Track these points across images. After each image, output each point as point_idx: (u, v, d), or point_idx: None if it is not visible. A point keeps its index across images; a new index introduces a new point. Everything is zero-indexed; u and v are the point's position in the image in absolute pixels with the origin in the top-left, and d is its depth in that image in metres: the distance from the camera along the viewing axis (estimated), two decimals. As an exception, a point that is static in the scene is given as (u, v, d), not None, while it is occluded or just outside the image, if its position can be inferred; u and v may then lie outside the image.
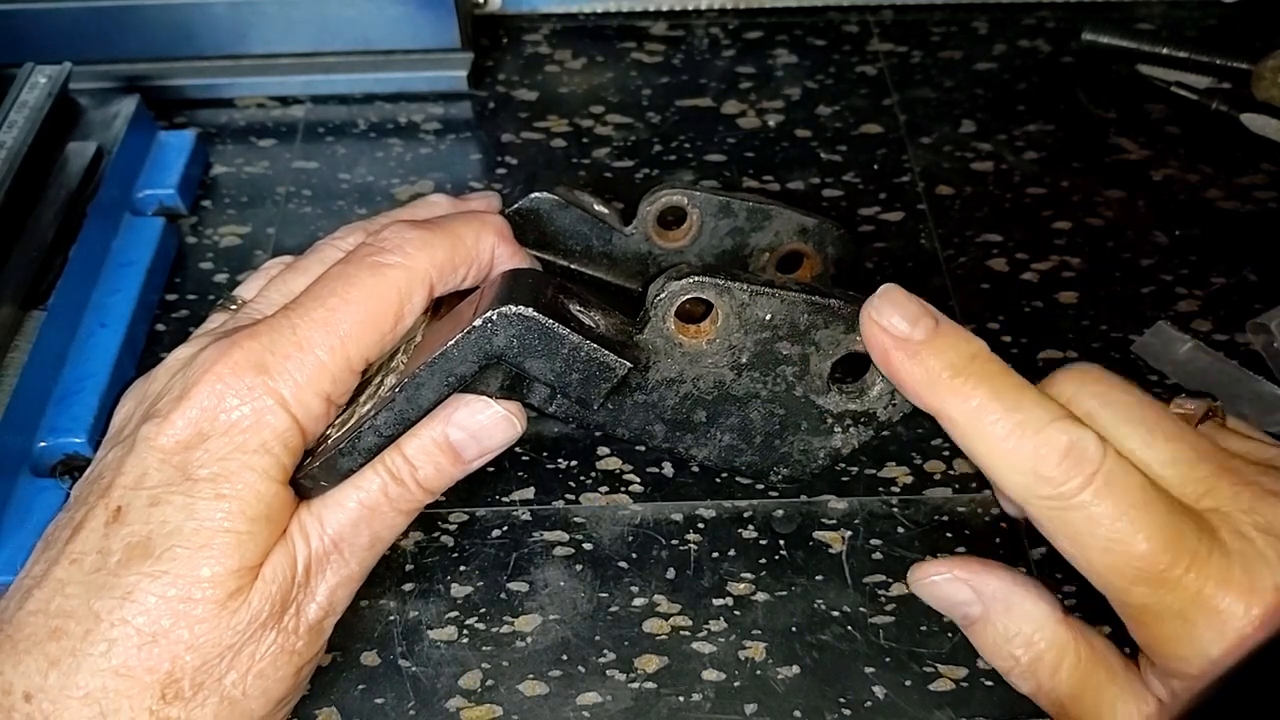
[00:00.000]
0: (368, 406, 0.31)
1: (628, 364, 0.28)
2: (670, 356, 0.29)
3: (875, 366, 0.29)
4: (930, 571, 0.30)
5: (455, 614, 0.35)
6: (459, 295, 0.33)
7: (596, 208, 0.37)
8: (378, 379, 0.33)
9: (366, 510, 0.30)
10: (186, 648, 0.27)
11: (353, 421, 0.30)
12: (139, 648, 0.27)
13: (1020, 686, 0.30)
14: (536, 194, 0.37)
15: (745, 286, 0.28)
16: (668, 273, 0.29)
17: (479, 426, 0.30)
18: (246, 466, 0.28)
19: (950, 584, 0.30)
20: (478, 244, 0.32)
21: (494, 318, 0.27)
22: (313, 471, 0.30)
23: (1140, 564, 0.26)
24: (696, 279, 0.28)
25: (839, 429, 0.31)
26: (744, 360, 0.30)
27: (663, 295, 0.28)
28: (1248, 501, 0.26)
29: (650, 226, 0.37)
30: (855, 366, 0.31)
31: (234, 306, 0.34)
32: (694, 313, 0.30)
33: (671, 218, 0.37)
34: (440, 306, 0.34)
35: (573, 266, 0.38)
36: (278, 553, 0.29)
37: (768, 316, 0.29)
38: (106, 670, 0.27)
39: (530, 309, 0.27)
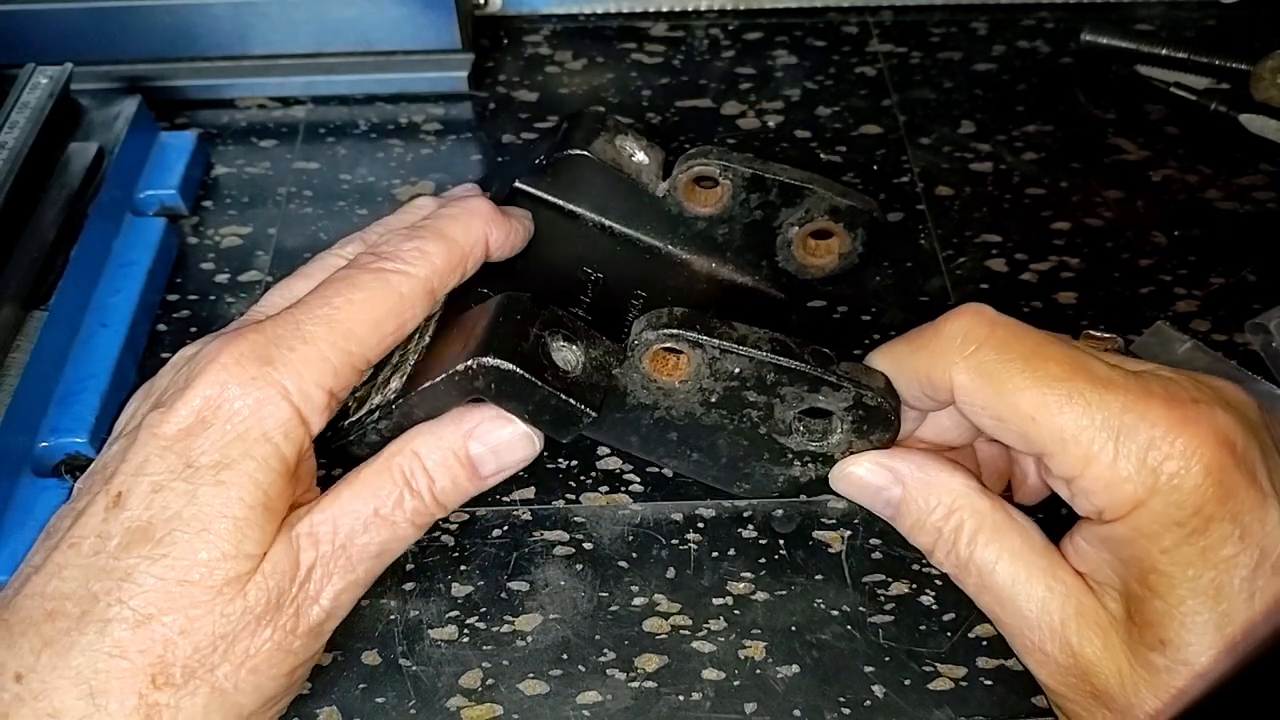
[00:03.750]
0: (377, 399, 0.33)
1: (592, 413, 0.30)
2: (646, 389, 0.32)
3: (837, 416, 0.32)
4: (848, 464, 0.32)
5: (456, 613, 0.35)
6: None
7: (637, 156, 0.38)
8: (394, 360, 0.34)
9: (380, 519, 0.31)
10: (180, 632, 0.28)
11: (361, 413, 0.33)
12: (133, 628, 0.27)
13: (944, 564, 0.31)
14: (573, 150, 0.37)
15: (716, 343, 0.30)
16: (648, 317, 0.31)
17: (499, 442, 0.32)
18: (247, 454, 0.29)
19: (867, 470, 0.32)
20: (468, 239, 0.33)
21: (474, 366, 0.29)
22: (336, 449, 0.33)
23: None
24: (671, 331, 0.30)
25: (799, 463, 0.33)
26: (713, 400, 0.32)
27: (639, 341, 0.31)
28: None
29: (682, 191, 0.37)
30: (819, 413, 0.32)
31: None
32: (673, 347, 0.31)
33: (704, 184, 0.38)
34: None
35: (603, 220, 0.39)
36: (281, 550, 0.29)
37: (736, 370, 0.31)
38: (99, 651, 0.27)
39: (507, 362, 0.29)
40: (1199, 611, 0.26)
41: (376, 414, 0.32)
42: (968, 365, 0.29)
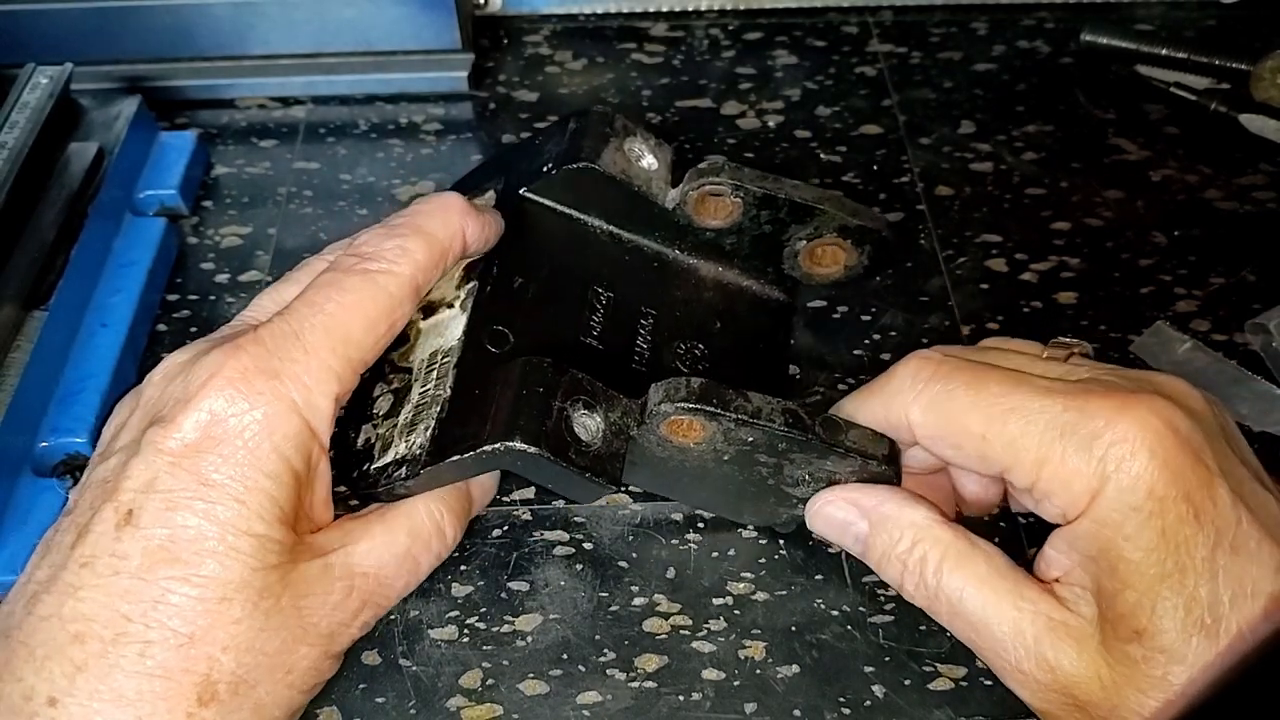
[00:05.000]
0: (401, 447, 0.33)
1: (613, 486, 0.32)
2: (662, 446, 0.33)
3: (843, 476, 0.33)
4: (819, 501, 0.33)
5: (456, 613, 0.35)
6: None
7: (645, 159, 0.38)
8: (413, 399, 0.34)
9: (411, 560, 0.32)
10: (222, 649, 0.28)
11: (387, 461, 0.33)
12: (177, 649, 0.27)
13: (915, 597, 0.32)
14: (581, 164, 0.37)
15: (732, 417, 0.31)
16: (666, 387, 0.32)
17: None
18: (261, 471, 0.29)
19: (834, 506, 0.33)
20: (446, 232, 0.34)
21: (500, 449, 0.30)
22: (362, 494, 0.34)
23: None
24: (689, 406, 0.31)
25: (803, 505, 0.34)
26: (725, 458, 0.33)
27: (656, 412, 0.32)
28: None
29: (692, 206, 0.38)
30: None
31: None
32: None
33: (714, 196, 0.38)
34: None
35: (611, 229, 0.39)
36: (325, 575, 0.30)
37: (750, 439, 0.32)
38: (141, 673, 0.27)
39: (533, 446, 0.30)
40: (1167, 596, 0.27)
41: (404, 470, 0.32)
42: (919, 402, 0.31)
